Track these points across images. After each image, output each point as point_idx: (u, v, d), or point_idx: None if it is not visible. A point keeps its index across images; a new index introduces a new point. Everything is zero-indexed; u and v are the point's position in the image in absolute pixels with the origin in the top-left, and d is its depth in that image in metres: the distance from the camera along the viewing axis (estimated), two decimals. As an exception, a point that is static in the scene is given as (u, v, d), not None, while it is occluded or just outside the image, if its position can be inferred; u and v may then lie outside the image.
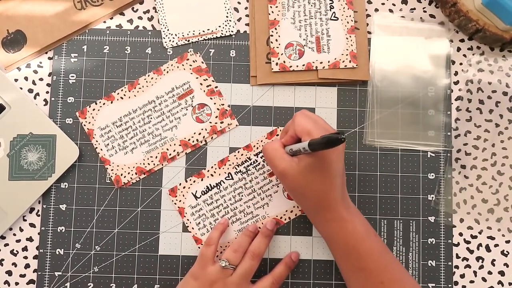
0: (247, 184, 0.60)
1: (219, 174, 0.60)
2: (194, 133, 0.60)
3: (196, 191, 0.60)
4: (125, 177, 0.60)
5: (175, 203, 0.59)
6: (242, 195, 0.60)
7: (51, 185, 0.59)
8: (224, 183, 0.60)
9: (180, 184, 0.60)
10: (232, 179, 0.60)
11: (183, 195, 0.60)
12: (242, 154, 0.60)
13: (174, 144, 0.60)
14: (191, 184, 0.60)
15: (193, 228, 0.59)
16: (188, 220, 0.59)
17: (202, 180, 0.60)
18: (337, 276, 0.59)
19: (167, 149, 0.60)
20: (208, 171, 0.60)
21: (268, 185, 0.60)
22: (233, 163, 0.60)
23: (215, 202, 0.60)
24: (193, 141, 0.60)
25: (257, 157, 0.60)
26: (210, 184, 0.60)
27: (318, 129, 0.51)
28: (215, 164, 0.60)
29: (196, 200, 0.59)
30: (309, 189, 0.51)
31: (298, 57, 0.61)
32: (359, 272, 0.52)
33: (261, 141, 0.61)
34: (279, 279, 0.56)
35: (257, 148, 0.61)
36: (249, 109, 0.62)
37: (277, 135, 0.61)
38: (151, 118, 0.61)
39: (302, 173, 0.50)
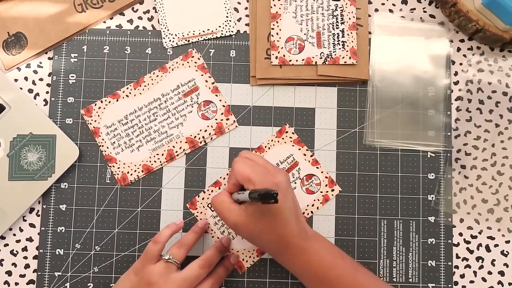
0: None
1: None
2: (200, 130, 0.61)
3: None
4: (131, 175, 0.60)
5: (197, 216, 0.60)
6: (156, 115, 0.60)
7: (51, 185, 0.59)
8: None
9: (198, 196, 0.60)
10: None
11: (203, 207, 0.60)
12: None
13: (180, 142, 0.60)
14: (209, 194, 0.60)
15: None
16: (212, 230, 0.59)
17: (219, 188, 0.60)
18: (337, 276, 0.59)
19: (173, 147, 0.60)
20: (224, 178, 0.60)
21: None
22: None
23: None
24: (199, 138, 0.60)
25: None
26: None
27: (257, 172, 0.50)
28: (229, 170, 0.60)
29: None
30: (264, 234, 0.50)
31: (298, 51, 0.61)
32: None
33: (272, 140, 0.61)
34: (209, 261, 0.54)
35: (269, 148, 0.60)
36: (249, 109, 0.62)
37: (286, 132, 0.61)
38: (156, 115, 0.61)
39: (252, 220, 0.50)
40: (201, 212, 0.60)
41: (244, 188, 0.51)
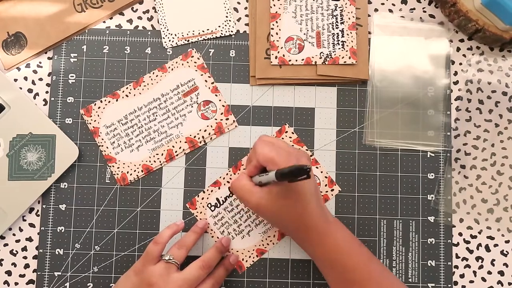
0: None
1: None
2: (200, 130, 0.61)
3: (216, 200, 0.60)
4: (131, 174, 0.60)
5: (196, 215, 0.59)
6: (156, 115, 0.60)
7: (51, 185, 0.59)
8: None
9: (198, 195, 0.60)
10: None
11: (203, 206, 0.60)
12: None
13: (180, 141, 0.60)
14: (209, 194, 0.60)
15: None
16: (211, 230, 0.59)
17: (219, 188, 0.60)
18: (337, 276, 0.59)
19: (173, 146, 0.60)
20: (223, 178, 0.60)
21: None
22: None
23: (235, 208, 0.60)
24: (198, 138, 0.60)
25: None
26: (228, 189, 0.60)
27: (281, 155, 0.50)
28: (229, 170, 0.60)
29: (217, 209, 0.60)
30: (286, 215, 0.51)
31: (297, 51, 0.61)
32: (346, 285, 0.51)
33: None
34: (209, 262, 0.54)
35: None
36: (248, 109, 0.62)
37: (286, 131, 0.61)
38: (156, 115, 0.61)
39: (275, 202, 0.51)
40: (200, 212, 0.60)
41: (265, 171, 0.51)
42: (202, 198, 0.60)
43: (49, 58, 0.62)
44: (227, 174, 0.60)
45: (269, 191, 0.51)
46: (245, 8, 0.63)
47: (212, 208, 0.60)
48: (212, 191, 0.60)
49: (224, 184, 0.60)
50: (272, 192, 0.51)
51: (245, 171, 0.54)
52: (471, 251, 0.60)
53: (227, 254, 0.58)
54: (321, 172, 0.60)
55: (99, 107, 0.61)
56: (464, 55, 0.63)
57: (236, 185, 0.53)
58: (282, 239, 0.60)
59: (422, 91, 0.62)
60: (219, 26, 0.62)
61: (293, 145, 0.61)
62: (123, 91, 0.61)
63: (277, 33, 0.62)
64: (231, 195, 0.60)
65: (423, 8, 0.64)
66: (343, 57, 0.61)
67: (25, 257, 0.59)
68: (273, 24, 0.62)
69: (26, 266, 0.59)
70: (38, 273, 0.59)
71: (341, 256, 0.51)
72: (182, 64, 0.62)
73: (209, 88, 0.61)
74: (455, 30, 0.64)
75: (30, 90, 0.61)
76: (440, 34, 0.63)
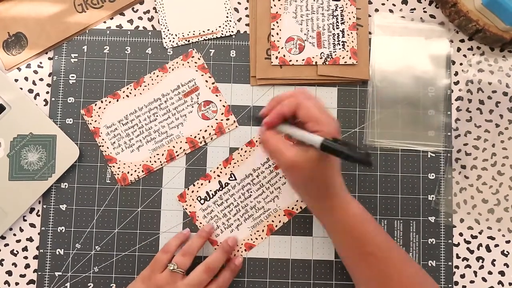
0: (254, 180, 0.60)
1: (226, 174, 0.60)
2: (200, 130, 0.61)
3: (206, 193, 0.60)
4: (131, 175, 0.60)
5: (186, 208, 0.60)
6: (251, 191, 0.60)
7: (51, 185, 0.59)
8: (231, 182, 0.60)
9: (188, 188, 0.60)
10: (236, 179, 0.60)
11: (193, 199, 0.60)
12: (245, 151, 0.60)
13: (180, 142, 0.60)
14: (199, 187, 0.60)
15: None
16: (200, 223, 0.59)
17: (209, 181, 0.60)
18: (337, 276, 0.59)
19: (173, 147, 0.60)
20: (214, 172, 0.60)
21: (276, 178, 0.60)
22: (237, 161, 0.60)
23: (225, 202, 0.60)
24: (199, 138, 0.60)
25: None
26: (219, 183, 0.60)
27: (324, 116, 0.48)
28: (220, 165, 0.60)
29: (207, 202, 0.60)
30: (316, 178, 0.49)
31: (298, 51, 0.61)
32: (367, 257, 0.50)
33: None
34: (213, 265, 0.55)
35: (260, 143, 0.61)
36: (249, 109, 0.62)
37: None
38: (157, 115, 0.61)
39: (309, 164, 0.48)
40: (190, 205, 0.60)
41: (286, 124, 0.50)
42: (192, 191, 0.60)
43: (49, 59, 0.62)
44: (217, 168, 0.60)
45: (306, 151, 0.48)
46: (246, 8, 0.63)
47: (202, 201, 0.60)
48: (202, 184, 0.60)
49: (214, 178, 0.60)
50: (309, 153, 0.48)
51: (266, 120, 0.50)
52: (471, 251, 0.60)
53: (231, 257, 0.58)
54: None
55: (99, 108, 0.61)
56: (464, 55, 0.63)
57: (270, 139, 0.49)
58: (271, 235, 0.60)
59: (423, 91, 0.62)
60: (220, 27, 0.62)
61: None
62: (123, 91, 0.61)
63: (277, 33, 0.62)
64: (264, 160, 0.59)
65: (423, 9, 0.64)
66: (343, 57, 0.61)
67: (25, 257, 0.59)
68: (273, 25, 0.62)
69: (27, 266, 0.59)
70: (39, 273, 0.59)
71: (363, 226, 0.51)
72: (183, 64, 0.62)
73: (209, 88, 0.61)
74: (456, 30, 0.64)
75: (30, 91, 0.61)
76: (440, 34, 0.63)
